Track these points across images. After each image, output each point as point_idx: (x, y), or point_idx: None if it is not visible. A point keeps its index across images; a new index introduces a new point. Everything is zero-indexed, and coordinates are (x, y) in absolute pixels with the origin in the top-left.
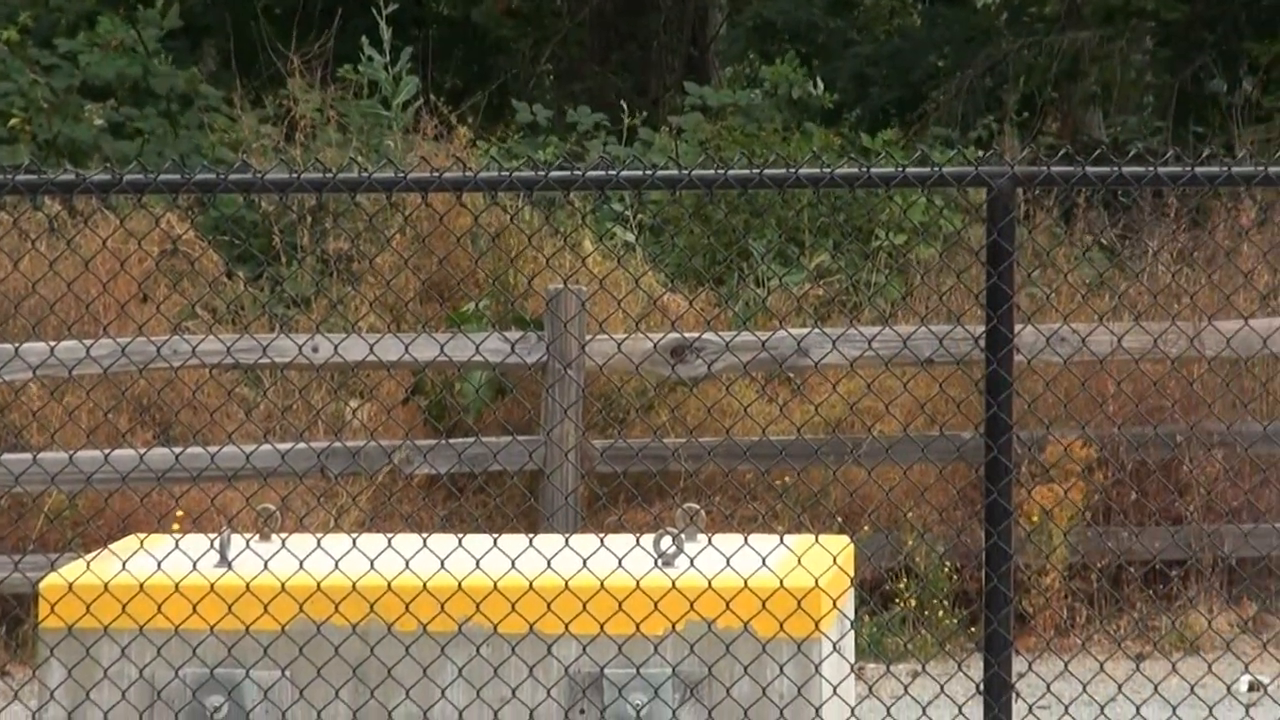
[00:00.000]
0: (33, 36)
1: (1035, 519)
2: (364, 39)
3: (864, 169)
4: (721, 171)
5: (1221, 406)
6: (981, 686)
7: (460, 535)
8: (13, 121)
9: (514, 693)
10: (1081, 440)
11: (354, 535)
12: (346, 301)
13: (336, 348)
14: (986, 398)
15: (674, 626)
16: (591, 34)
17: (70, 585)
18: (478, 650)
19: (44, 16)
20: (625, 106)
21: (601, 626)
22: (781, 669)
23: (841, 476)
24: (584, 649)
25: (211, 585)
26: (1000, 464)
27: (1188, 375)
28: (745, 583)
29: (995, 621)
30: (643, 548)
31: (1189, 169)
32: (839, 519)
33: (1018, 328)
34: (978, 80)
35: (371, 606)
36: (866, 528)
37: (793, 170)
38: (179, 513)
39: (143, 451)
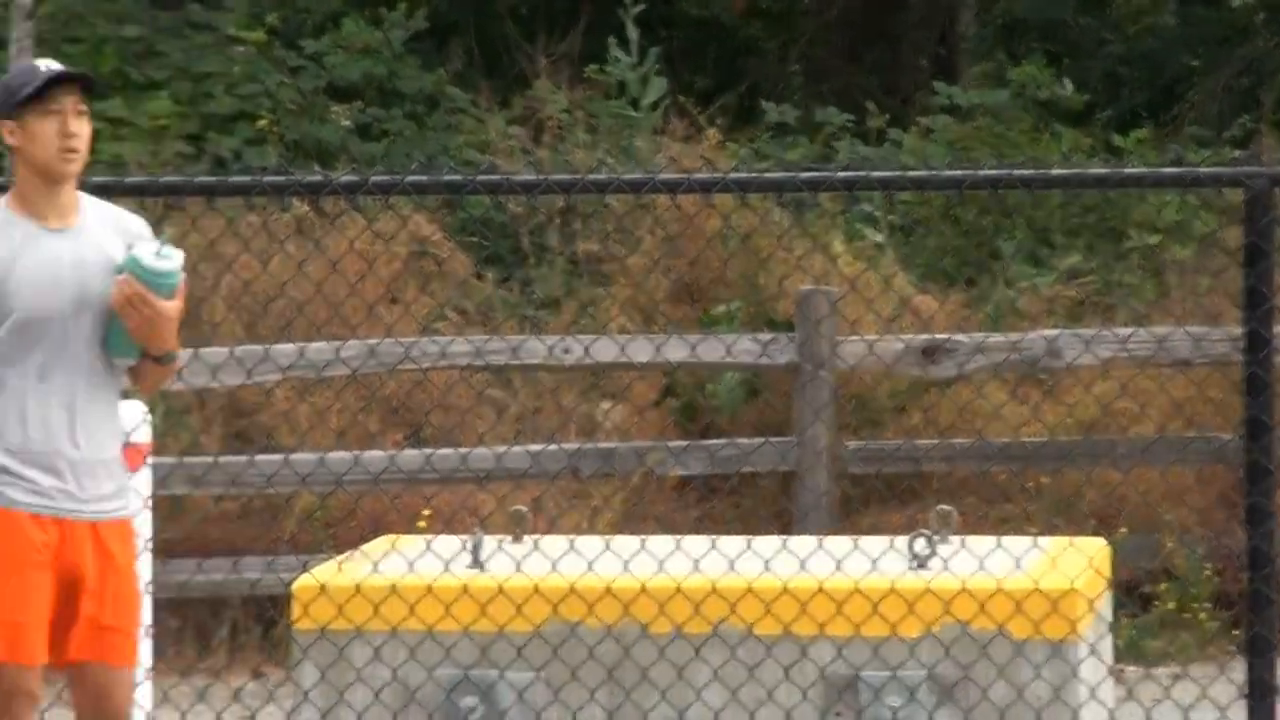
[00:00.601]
0: (280, 38)
1: None
2: (611, 39)
3: (1116, 169)
4: (971, 172)
5: None
6: (1245, 690)
7: (714, 537)
8: (260, 123)
9: (770, 695)
10: None
11: (607, 537)
12: (597, 303)
13: (588, 349)
14: (1246, 399)
15: (929, 628)
16: (840, 33)
17: (323, 586)
18: (733, 652)
19: (291, 18)
20: (873, 106)
21: (857, 628)
22: (1038, 671)
23: (1096, 478)
24: (839, 651)
25: (465, 586)
26: (1261, 465)
27: None
28: (1000, 584)
29: (1258, 624)
30: (897, 549)
31: None
32: (1093, 521)
33: (1277, 329)
34: (1234, 80)
35: (626, 608)
36: (1124, 530)
37: (1043, 170)
38: (425, 512)
39: (393, 453)
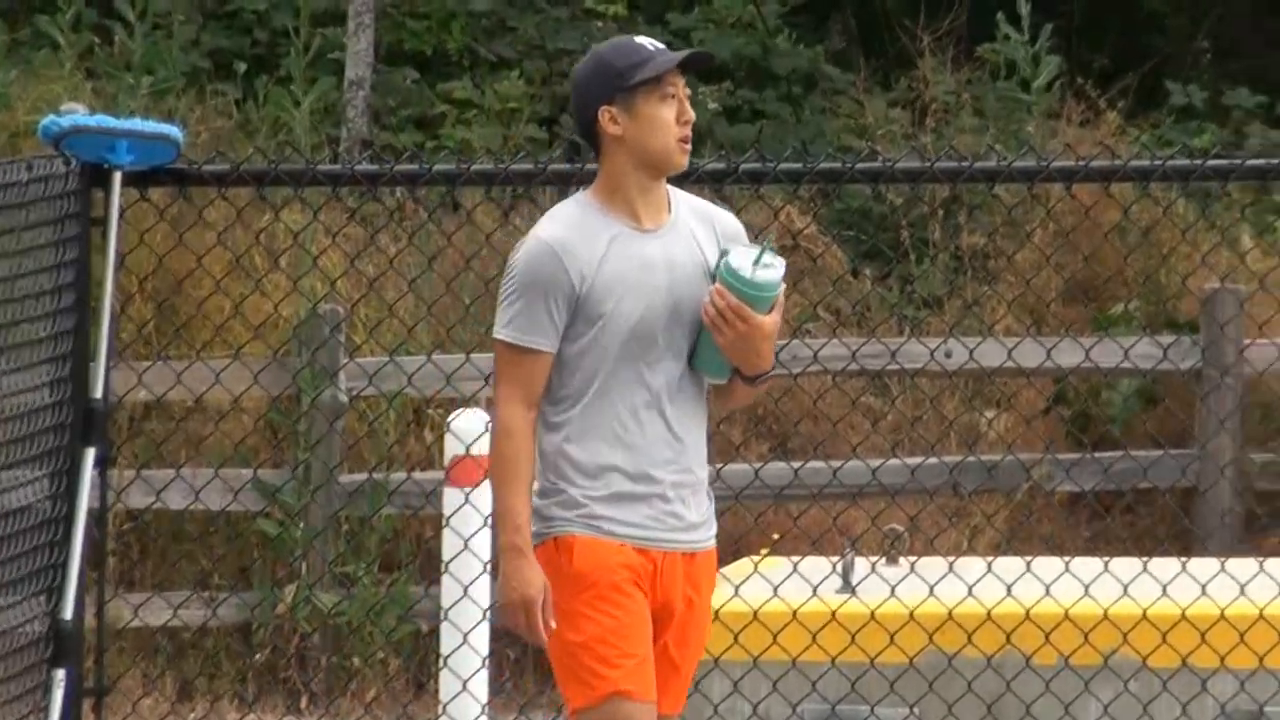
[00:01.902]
0: (643, 12)
1: None
2: (1000, 14)
3: None
4: None
5: None
6: None
7: (1106, 558)
8: None
9: None
10: None
11: (988, 558)
12: (982, 302)
13: (972, 352)
14: None
15: None
16: (1255, 5)
17: None
18: (1125, 685)
19: None
20: None
21: (1261, 660)
22: None
23: None
24: (1242, 685)
25: (833, 612)
26: None
27: None
28: None
29: None
30: None
31: None
32: None
33: None
34: None
35: (1008, 637)
36: None
37: None
38: (775, 536)
39: (758, 465)
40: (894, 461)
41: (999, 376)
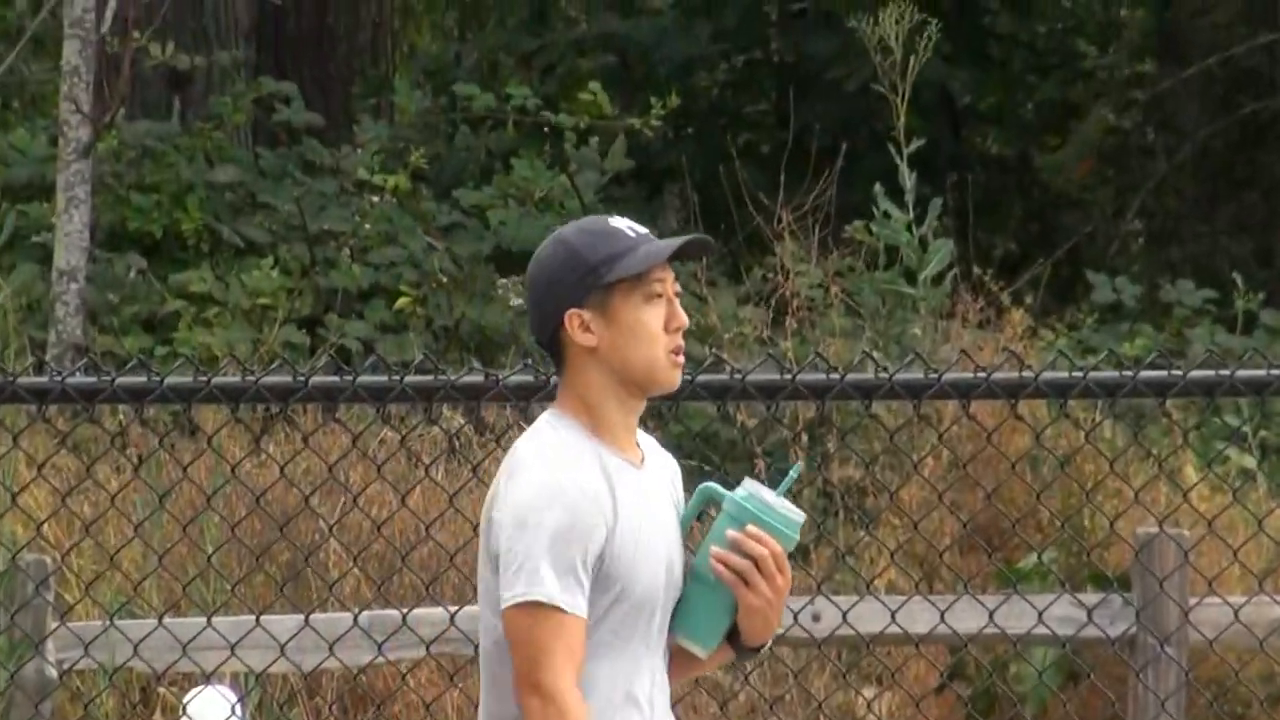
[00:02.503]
0: (430, 185)
1: None
2: (877, 187)
3: None
4: None
5: None
6: None
7: None
8: (401, 301)
9: None
10: None
11: None
12: (858, 552)
13: (845, 615)
14: None
15: None
16: (1196, 180)
17: None
18: None
19: (446, 157)
20: (1241, 279)
21: None
22: None
23: None
24: None
25: None
26: None
27: None
28: None
29: None
30: None
31: None
32: None
33: None
34: None
35: None
36: None
37: None
38: None
39: None
40: None
41: (880, 645)
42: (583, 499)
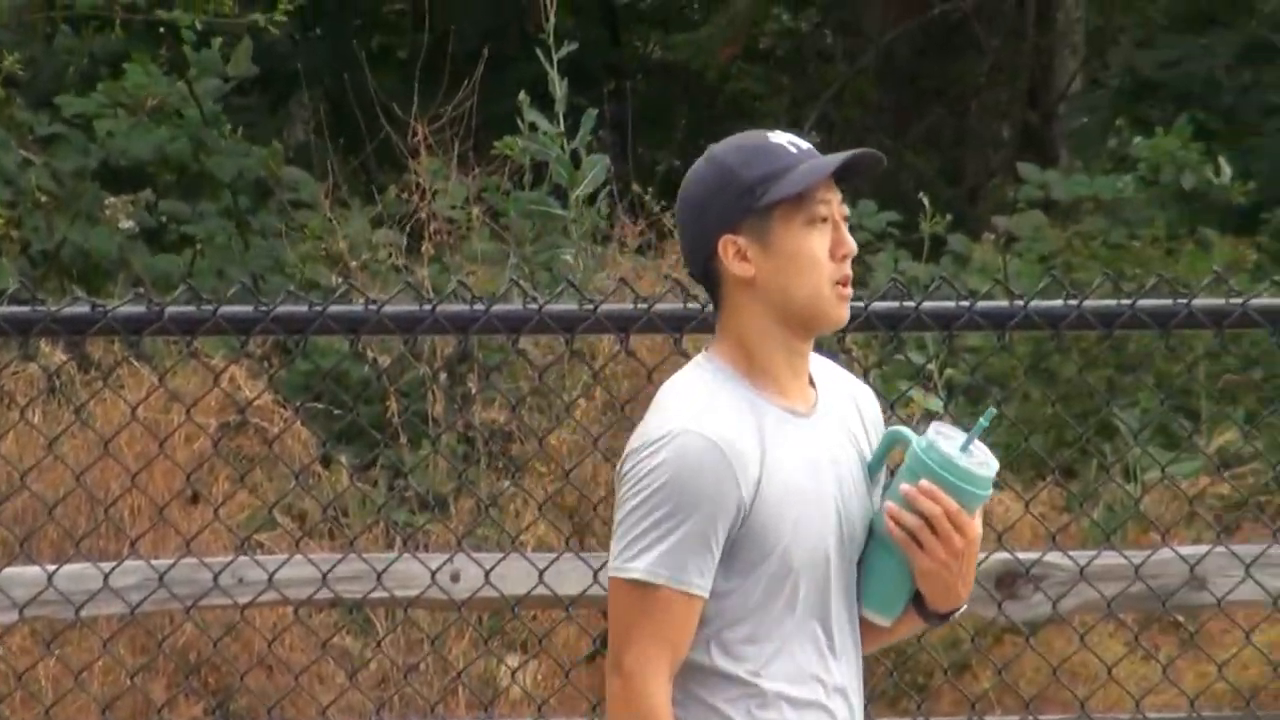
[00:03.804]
0: (24, 92)
1: None
2: (523, 96)
3: None
4: (1074, 304)
5: None
6: None
7: None
8: None
9: None
10: None
11: None
12: (503, 504)
13: (488, 574)
14: None
15: None
16: (879, 90)
17: None
18: None
19: (44, 61)
20: (928, 201)
21: None
22: None
23: None
24: None
25: None
26: None
27: None
28: None
29: None
30: None
31: None
32: None
33: None
34: None
35: None
36: None
37: (1184, 301)
38: None
39: None
40: None
41: (527, 607)
42: (719, 462)
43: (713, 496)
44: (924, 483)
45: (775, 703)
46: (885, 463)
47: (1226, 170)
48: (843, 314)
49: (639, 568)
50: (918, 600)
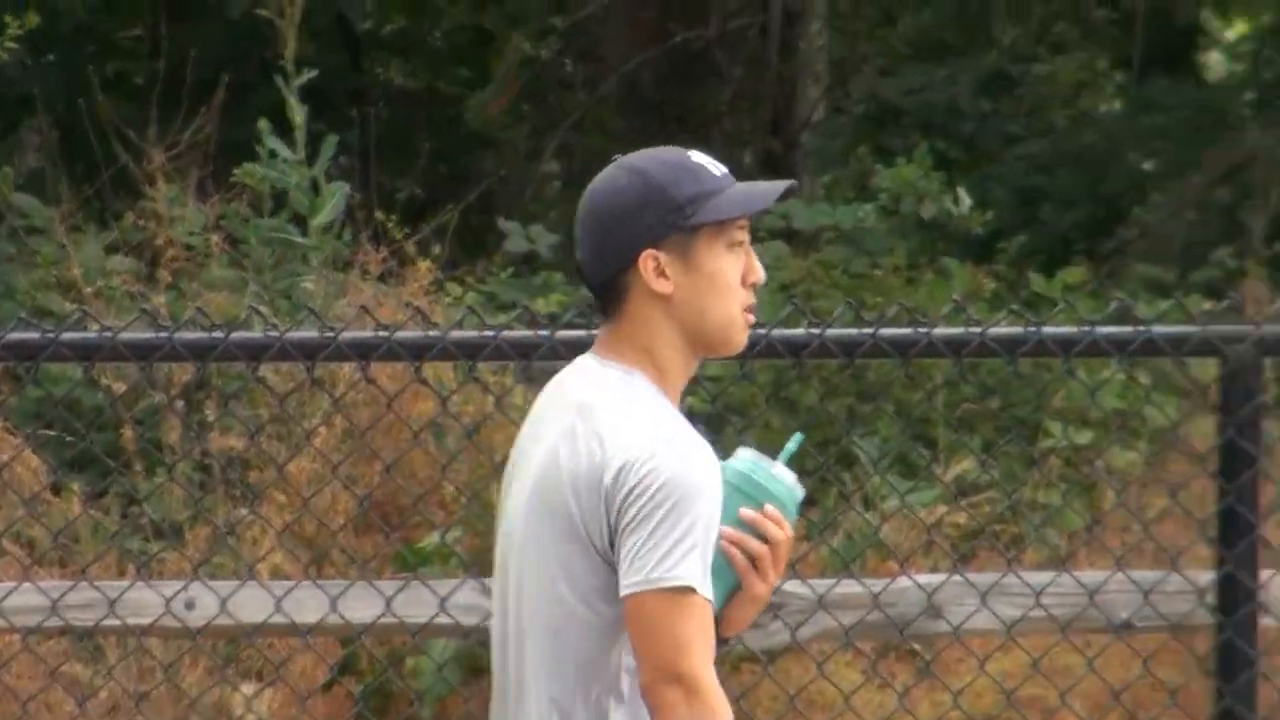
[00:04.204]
0: None
1: None
2: (263, 123)
3: (1032, 328)
4: (815, 332)
5: None
6: None
7: None
8: None
9: None
10: None
11: None
12: (239, 531)
13: (224, 602)
14: (1216, 682)
15: None
16: (620, 117)
17: None
18: None
19: None
20: None
21: None
22: None
23: None
24: None
25: None
26: None
27: None
28: None
29: None
30: None
31: None
32: None
33: (1264, 575)
34: (1207, 193)
35: None
36: None
37: (924, 330)
38: None
39: None
40: None
41: (263, 636)
42: (714, 472)
43: (715, 504)
44: (770, 509)
45: None
46: None
47: (965, 200)
48: (744, 339)
49: (680, 576)
50: None
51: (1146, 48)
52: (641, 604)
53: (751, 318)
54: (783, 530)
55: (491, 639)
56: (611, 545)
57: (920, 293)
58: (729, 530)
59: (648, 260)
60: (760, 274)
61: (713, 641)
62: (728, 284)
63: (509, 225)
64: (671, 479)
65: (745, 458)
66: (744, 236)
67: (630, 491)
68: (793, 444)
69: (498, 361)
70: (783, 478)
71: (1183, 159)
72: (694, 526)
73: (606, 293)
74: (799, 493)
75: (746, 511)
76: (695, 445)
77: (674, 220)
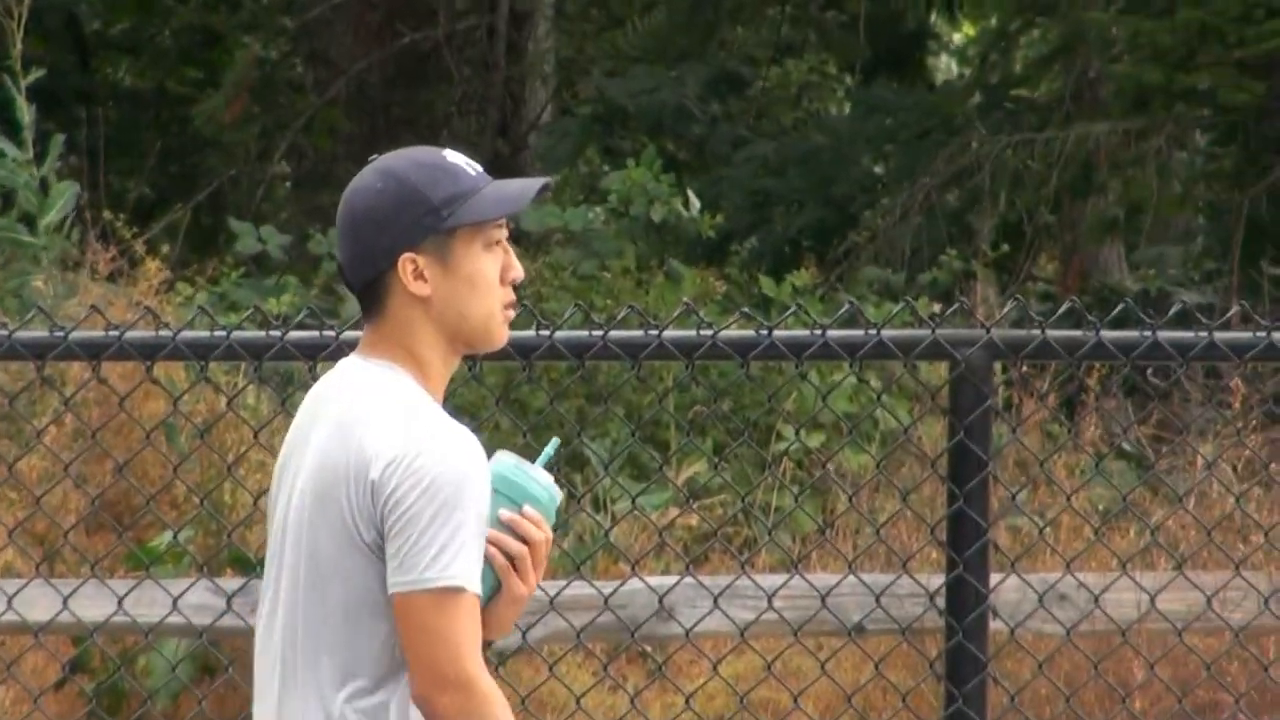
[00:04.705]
0: None
1: None
2: None
3: (762, 331)
4: (545, 334)
5: None
6: None
7: None
8: None
9: None
10: None
11: None
12: None
13: None
14: (947, 685)
15: None
16: (349, 117)
17: None
18: None
19: None
20: None
21: None
22: None
23: None
24: None
25: None
26: None
27: (1259, 653)
28: None
29: None
30: None
31: (1262, 335)
32: None
33: (994, 578)
34: (936, 197)
35: None
36: None
37: (653, 332)
38: None
39: None
40: None
41: (4, 634)
42: (483, 469)
43: (484, 499)
44: (529, 509)
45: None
46: None
47: (695, 203)
48: (504, 335)
49: (451, 576)
50: None
51: (875, 51)
52: (411, 604)
53: (511, 314)
54: (541, 531)
55: (256, 638)
56: (381, 540)
57: (650, 295)
58: (490, 531)
59: (406, 264)
60: (519, 271)
61: (479, 641)
62: (487, 283)
63: (240, 225)
64: (439, 476)
65: (505, 461)
66: (502, 234)
67: (396, 489)
68: (550, 448)
69: (230, 362)
70: (541, 480)
71: (911, 162)
72: (464, 524)
73: (367, 294)
74: (558, 495)
75: (505, 512)
76: (461, 440)
77: (430, 223)
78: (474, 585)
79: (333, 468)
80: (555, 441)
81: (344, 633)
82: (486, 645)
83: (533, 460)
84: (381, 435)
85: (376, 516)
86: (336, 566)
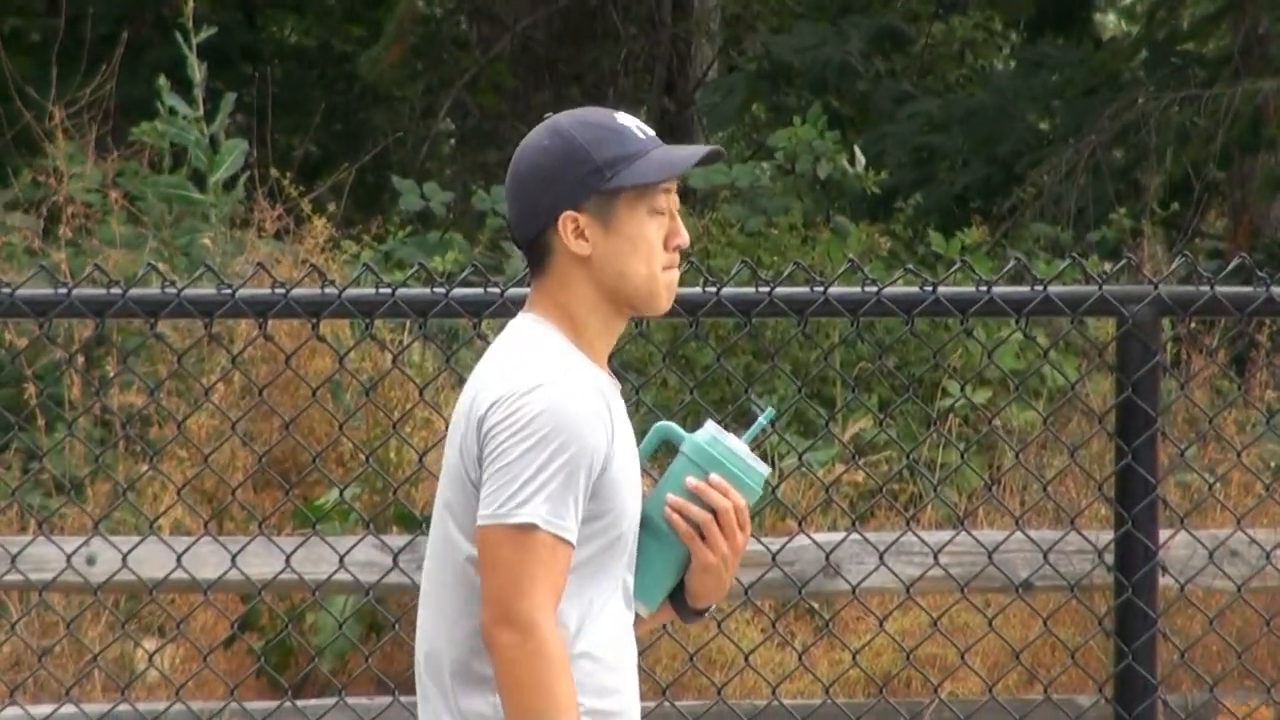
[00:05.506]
0: None
1: None
2: (162, 80)
3: (928, 288)
4: (711, 291)
5: None
6: None
7: None
8: None
9: None
10: (1268, 705)
11: None
12: (140, 487)
13: (125, 558)
14: (1116, 642)
15: None
16: (514, 74)
17: None
18: None
19: None
20: None
21: None
22: None
23: None
24: None
25: None
26: None
27: None
28: None
29: None
30: None
31: None
32: None
33: (1163, 535)
34: (1103, 153)
35: None
36: None
37: (819, 289)
38: None
39: None
40: (11, 712)
41: (165, 591)
42: (592, 416)
43: (587, 447)
44: (714, 477)
45: (580, 661)
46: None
47: (861, 159)
48: (668, 301)
49: (526, 513)
50: (675, 595)
51: (1039, 7)
52: (488, 537)
53: (674, 279)
54: (727, 498)
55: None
56: (481, 477)
57: (816, 252)
58: (674, 498)
59: (567, 221)
60: (684, 237)
61: (560, 586)
62: (649, 246)
63: (404, 183)
64: (537, 417)
65: (707, 430)
66: (669, 200)
67: (495, 425)
68: (763, 418)
69: (395, 319)
70: (738, 450)
71: (1077, 119)
72: (552, 464)
73: (531, 251)
74: (759, 467)
75: (691, 479)
76: (573, 388)
77: (593, 183)
78: (553, 527)
79: (461, 413)
80: (770, 412)
81: (456, 579)
82: (699, 615)
83: (671, 418)
84: (497, 378)
85: (479, 454)
86: (451, 510)
